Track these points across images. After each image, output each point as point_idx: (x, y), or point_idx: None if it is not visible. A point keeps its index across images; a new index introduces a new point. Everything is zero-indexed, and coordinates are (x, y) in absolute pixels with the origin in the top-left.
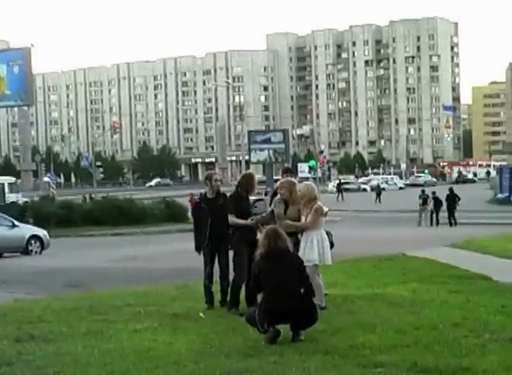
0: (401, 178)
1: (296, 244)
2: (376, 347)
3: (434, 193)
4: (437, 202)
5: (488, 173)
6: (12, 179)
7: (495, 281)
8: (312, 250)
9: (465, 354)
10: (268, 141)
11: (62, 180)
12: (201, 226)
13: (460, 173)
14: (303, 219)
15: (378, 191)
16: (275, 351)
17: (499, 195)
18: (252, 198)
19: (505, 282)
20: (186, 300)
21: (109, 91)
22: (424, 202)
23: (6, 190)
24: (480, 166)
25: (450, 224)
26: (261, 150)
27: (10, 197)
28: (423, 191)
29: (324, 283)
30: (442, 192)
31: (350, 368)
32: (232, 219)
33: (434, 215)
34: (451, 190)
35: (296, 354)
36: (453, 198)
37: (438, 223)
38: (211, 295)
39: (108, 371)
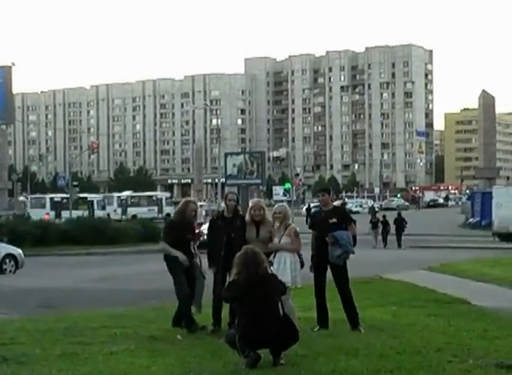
0: (374, 201)
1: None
2: (359, 372)
3: (384, 217)
4: (386, 226)
5: (446, 198)
6: None
7: (473, 305)
8: (285, 272)
9: None
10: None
11: None
12: (216, 243)
13: (447, 196)
14: (276, 240)
15: (373, 212)
16: None
17: (471, 220)
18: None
19: (484, 306)
20: (164, 322)
21: (88, 111)
22: (375, 226)
23: None
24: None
25: (399, 246)
26: (237, 154)
27: None
28: (374, 215)
29: (301, 306)
30: (411, 216)
31: None
32: (164, 246)
33: (385, 236)
34: (399, 214)
35: None
36: (400, 222)
37: (385, 245)
38: (220, 317)
39: None
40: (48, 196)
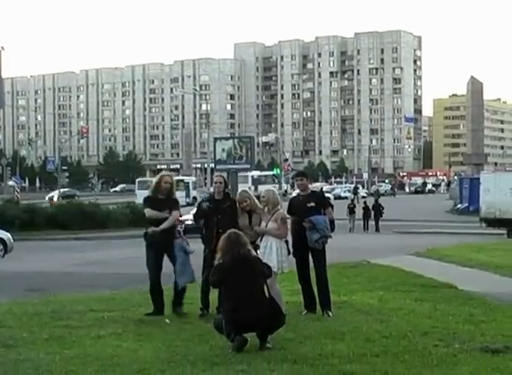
0: (363, 187)
1: (255, 249)
2: (345, 356)
3: (365, 202)
4: (367, 211)
5: (424, 183)
6: None
7: (460, 290)
8: (271, 257)
9: (436, 364)
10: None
11: (26, 184)
12: (206, 225)
13: (424, 183)
14: (263, 224)
15: (377, 195)
16: (243, 360)
17: (459, 205)
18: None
19: (470, 291)
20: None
21: (77, 96)
22: (351, 211)
23: None
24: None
25: (377, 230)
26: (226, 139)
27: None
28: (352, 201)
29: (289, 290)
30: (397, 202)
31: None
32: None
33: (366, 221)
34: (376, 201)
35: (264, 362)
36: (377, 208)
37: (367, 229)
38: (208, 301)
39: None
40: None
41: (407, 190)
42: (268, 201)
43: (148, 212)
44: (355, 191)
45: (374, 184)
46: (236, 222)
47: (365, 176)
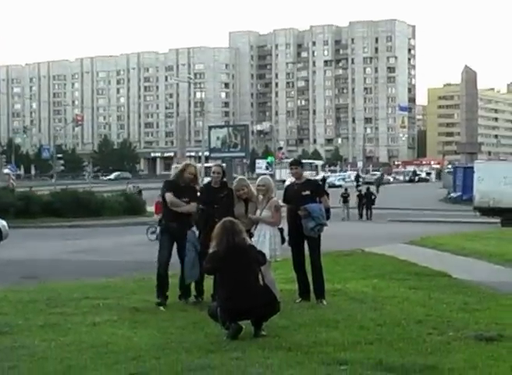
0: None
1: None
2: (340, 344)
3: (360, 191)
4: (361, 199)
5: (414, 172)
6: None
7: (454, 278)
8: (264, 245)
9: (430, 352)
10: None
11: (22, 171)
12: (203, 213)
13: (414, 172)
14: (257, 212)
15: (378, 183)
16: (238, 347)
17: (453, 194)
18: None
19: (464, 279)
20: (146, 293)
21: (72, 84)
22: (345, 200)
23: None
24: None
25: (369, 218)
26: (221, 128)
27: None
28: (346, 189)
29: (283, 278)
30: (391, 191)
31: (314, 365)
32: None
33: (361, 210)
34: (368, 189)
35: (258, 350)
36: (369, 196)
37: (360, 217)
38: (202, 289)
39: (65, 366)
40: None
41: (401, 179)
42: (268, 189)
43: (169, 197)
44: (357, 179)
45: (368, 173)
46: (233, 211)
47: (360, 164)
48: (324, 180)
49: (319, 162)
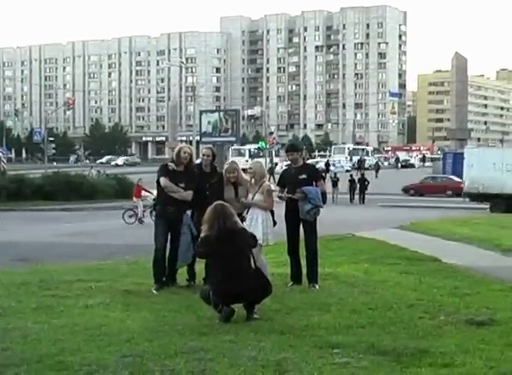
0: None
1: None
2: (332, 327)
3: (351, 175)
4: (352, 184)
5: (397, 159)
6: None
7: (444, 263)
8: (257, 229)
9: (422, 336)
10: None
11: (13, 155)
12: (196, 194)
13: (397, 158)
14: (249, 196)
15: (376, 167)
16: (230, 330)
17: None
18: None
19: (454, 264)
20: (138, 276)
21: (64, 68)
22: (334, 184)
23: None
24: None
25: (362, 202)
26: (212, 112)
27: None
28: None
29: (275, 262)
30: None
31: (307, 348)
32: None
33: (352, 194)
34: (362, 175)
35: (251, 333)
36: (362, 181)
37: (352, 200)
38: (194, 272)
39: (58, 348)
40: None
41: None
42: (255, 172)
43: (164, 181)
44: (359, 165)
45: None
46: (223, 196)
47: (369, 148)
48: (378, 166)
49: (370, 148)
